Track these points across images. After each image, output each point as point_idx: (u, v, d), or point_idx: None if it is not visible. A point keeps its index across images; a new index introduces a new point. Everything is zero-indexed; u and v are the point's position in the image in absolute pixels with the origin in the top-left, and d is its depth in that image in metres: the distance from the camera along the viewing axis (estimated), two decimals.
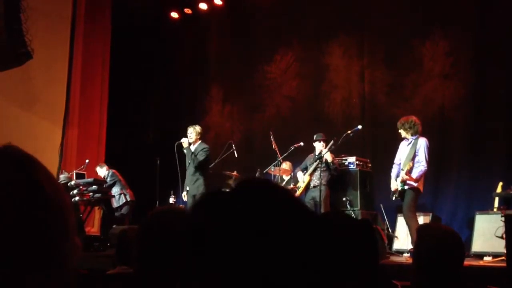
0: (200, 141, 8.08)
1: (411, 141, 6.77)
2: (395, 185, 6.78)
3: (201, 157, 7.89)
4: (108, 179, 9.20)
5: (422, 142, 6.71)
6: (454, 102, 8.43)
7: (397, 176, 6.84)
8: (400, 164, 6.92)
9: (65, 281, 0.83)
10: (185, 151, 7.99)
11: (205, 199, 0.86)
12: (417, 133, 6.76)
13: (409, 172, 6.56)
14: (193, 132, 8.02)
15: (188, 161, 8.02)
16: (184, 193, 8.07)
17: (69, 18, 10.40)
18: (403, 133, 6.82)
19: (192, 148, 7.99)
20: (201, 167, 7.93)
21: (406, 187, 6.65)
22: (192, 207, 0.87)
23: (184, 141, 7.94)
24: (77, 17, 10.48)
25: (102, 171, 9.40)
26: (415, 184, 6.63)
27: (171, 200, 8.55)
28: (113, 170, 9.40)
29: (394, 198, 6.88)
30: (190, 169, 7.99)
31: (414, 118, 6.84)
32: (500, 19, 7.96)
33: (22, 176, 0.82)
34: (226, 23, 11.36)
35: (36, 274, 0.79)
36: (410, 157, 6.65)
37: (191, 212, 0.86)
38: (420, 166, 6.61)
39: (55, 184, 0.86)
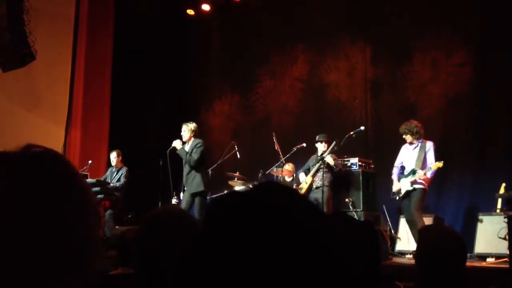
0: (193, 139, 7.73)
1: (418, 145, 6.85)
2: (398, 186, 6.81)
3: (195, 155, 7.54)
4: (122, 179, 9.08)
5: (431, 145, 6.82)
6: (457, 103, 8.42)
7: (399, 178, 6.89)
8: (400, 167, 7.03)
9: (92, 281, 0.84)
10: (178, 153, 7.70)
11: (221, 202, 0.84)
12: (421, 137, 6.80)
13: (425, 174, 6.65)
14: (186, 130, 7.71)
15: (184, 161, 7.76)
16: (181, 194, 7.97)
17: (72, 19, 10.42)
18: (409, 138, 6.85)
19: (187, 147, 7.69)
20: (197, 165, 7.60)
21: (416, 186, 6.71)
22: (208, 209, 0.85)
23: (176, 144, 7.63)
24: (80, 18, 10.50)
25: (115, 160, 9.24)
26: (426, 185, 6.71)
27: (173, 201, 8.54)
28: (127, 169, 9.17)
29: (397, 198, 6.90)
30: (186, 168, 7.70)
31: (416, 122, 6.90)
32: (503, 21, 7.95)
33: (73, 178, 0.85)
34: (229, 24, 11.37)
35: (68, 272, 0.80)
36: (421, 159, 6.73)
37: (207, 214, 0.84)
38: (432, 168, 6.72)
39: (88, 186, 0.89)
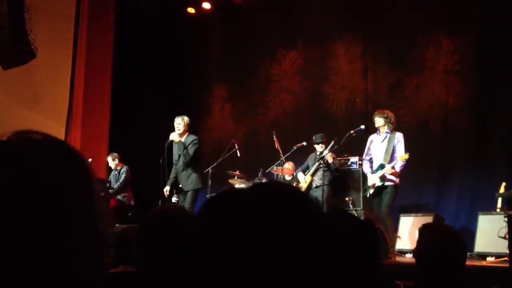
0: (187, 133, 7.76)
1: (386, 136, 6.76)
2: (373, 180, 6.75)
3: (191, 150, 7.58)
4: (121, 179, 9.18)
5: (400, 136, 6.74)
6: (457, 102, 8.42)
7: (372, 171, 6.83)
8: (369, 159, 6.95)
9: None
10: (176, 146, 7.70)
11: (219, 200, 0.86)
12: (393, 128, 6.77)
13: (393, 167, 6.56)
14: (181, 122, 7.69)
15: (176, 156, 7.73)
16: (167, 188, 7.87)
17: (73, 17, 10.42)
18: (382, 125, 6.77)
19: (182, 140, 7.71)
20: (192, 161, 7.64)
21: (387, 183, 6.63)
22: (205, 207, 0.86)
23: (174, 137, 7.65)
24: (80, 16, 10.49)
25: (113, 163, 9.39)
26: (397, 180, 6.63)
27: (174, 199, 8.53)
28: (128, 167, 9.33)
29: (368, 195, 6.90)
30: (180, 165, 7.70)
31: (390, 112, 6.88)
32: (503, 20, 7.95)
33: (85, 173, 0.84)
34: (229, 23, 11.36)
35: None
36: (390, 152, 6.64)
37: (203, 211, 0.86)
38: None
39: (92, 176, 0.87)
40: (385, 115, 6.76)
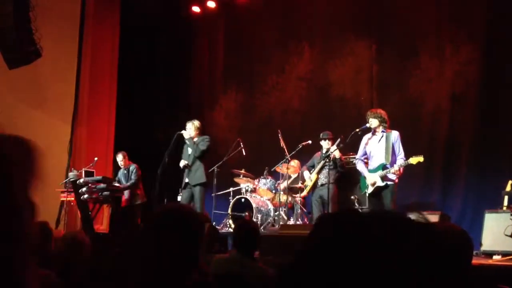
0: (199, 135, 8.09)
1: (382, 135, 6.71)
2: (373, 179, 6.67)
3: (202, 146, 7.89)
4: (133, 177, 9.27)
5: (396, 135, 6.68)
6: (463, 101, 8.39)
7: (370, 170, 6.78)
8: (365, 158, 6.90)
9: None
10: (187, 142, 8.01)
11: (339, 218, 0.92)
12: (387, 127, 6.74)
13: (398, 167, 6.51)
14: (191, 127, 8.04)
15: (188, 153, 7.99)
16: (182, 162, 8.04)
17: (78, 16, 10.44)
18: (377, 125, 6.71)
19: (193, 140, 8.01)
20: (201, 157, 7.92)
21: (389, 182, 6.58)
22: (322, 221, 0.92)
23: (186, 134, 7.99)
24: (86, 15, 10.52)
25: (122, 162, 9.47)
26: (395, 179, 6.60)
27: (180, 198, 8.56)
28: (136, 165, 9.42)
29: (367, 193, 6.80)
30: (190, 161, 7.95)
31: (383, 111, 6.82)
32: (509, 19, 7.91)
33: None
34: (235, 22, 11.36)
35: None
36: (390, 152, 6.59)
37: (319, 225, 0.92)
38: (400, 160, 6.58)
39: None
40: (379, 115, 6.73)
